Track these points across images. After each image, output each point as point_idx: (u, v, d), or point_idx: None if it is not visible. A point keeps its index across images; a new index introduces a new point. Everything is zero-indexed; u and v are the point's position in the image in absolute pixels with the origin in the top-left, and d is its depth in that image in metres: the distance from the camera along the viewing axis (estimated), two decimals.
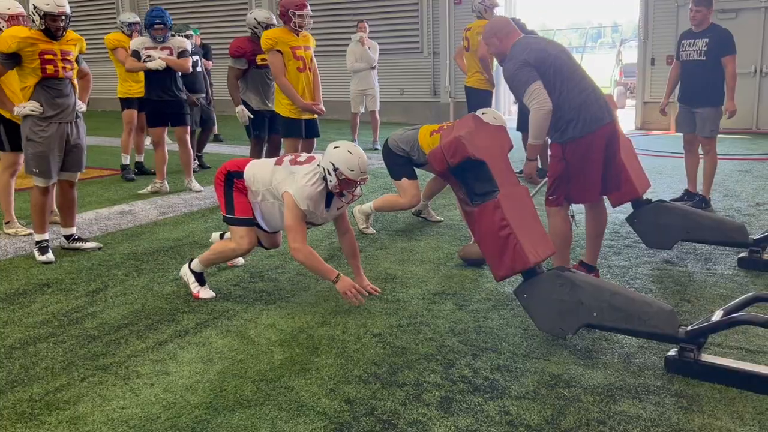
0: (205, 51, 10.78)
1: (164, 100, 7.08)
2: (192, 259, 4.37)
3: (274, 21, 6.59)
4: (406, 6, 13.67)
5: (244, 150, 10.27)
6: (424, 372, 3.26)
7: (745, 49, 10.82)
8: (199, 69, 8.58)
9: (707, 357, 3.19)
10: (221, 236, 4.80)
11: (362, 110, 10.36)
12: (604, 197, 4.25)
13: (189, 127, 7.38)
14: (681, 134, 6.38)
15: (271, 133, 6.82)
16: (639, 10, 11.83)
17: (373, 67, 10.20)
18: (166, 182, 7.45)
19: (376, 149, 10.27)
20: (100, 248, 5.38)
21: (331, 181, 3.88)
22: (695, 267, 4.63)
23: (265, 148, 6.90)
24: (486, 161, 3.49)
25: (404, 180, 5.38)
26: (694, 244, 5.07)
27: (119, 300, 4.29)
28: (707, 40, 5.99)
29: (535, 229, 3.57)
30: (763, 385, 2.99)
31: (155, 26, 6.90)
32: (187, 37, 8.50)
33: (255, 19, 6.55)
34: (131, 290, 4.46)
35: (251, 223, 4.14)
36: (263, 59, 6.44)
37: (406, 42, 13.79)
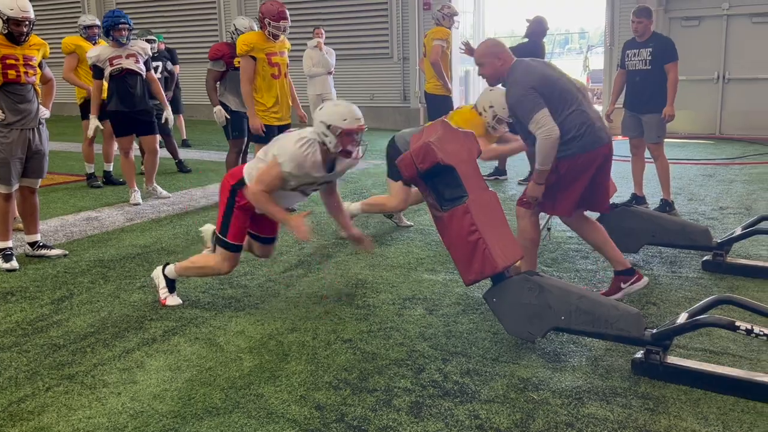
0: (171, 56, 10.71)
1: (126, 110, 6.88)
2: (167, 264, 4.27)
3: (255, 29, 6.63)
4: (376, 11, 13.70)
5: (213, 155, 10.21)
6: (395, 377, 3.27)
7: (707, 55, 11.07)
8: (159, 75, 8.51)
9: (673, 359, 3.24)
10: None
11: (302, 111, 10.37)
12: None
13: (158, 135, 7.27)
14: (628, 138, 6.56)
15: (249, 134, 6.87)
16: (605, 17, 12.01)
17: (330, 73, 10.24)
18: (152, 189, 7.35)
19: None
20: (65, 255, 5.30)
21: (330, 141, 3.72)
22: (660, 270, 4.71)
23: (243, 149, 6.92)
24: (455, 167, 3.49)
25: (400, 183, 5.24)
26: (659, 247, 5.16)
27: (85, 308, 4.22)
28: (651, 49, 6.17)
29: (504, 234, 3.59)
30: (727, 386, 3.05)
31: (120, 26, 6.71)
32: (148, 42, 8.43)
33: (234, 25, 6.80)
34: (97, 298, 4.40)
35: (239, 250, 4.04)
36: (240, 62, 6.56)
37: (375, 47, 13.82)
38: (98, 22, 7.85)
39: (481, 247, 3.42)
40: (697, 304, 3.33)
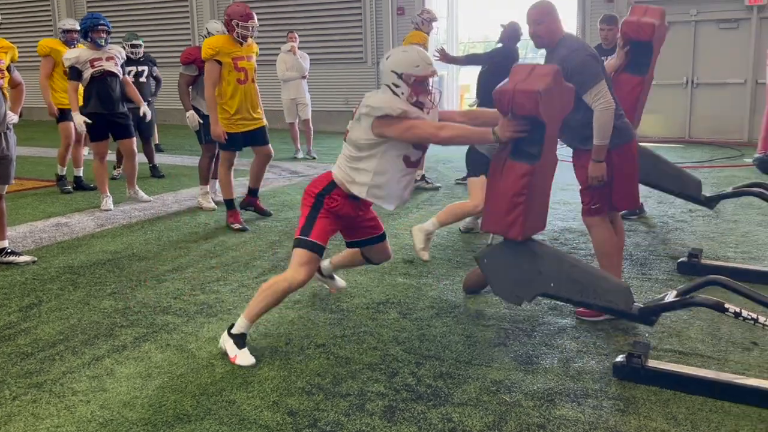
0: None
1: (107, 114, 6.84)
2: (231, 326, 3.60)
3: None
4: (350, 16, 13.71)
5: (186, 160, 10.14)
6: (368, 381, 3.26)
7: (676, 61, 11.22)
8: (143, 79, 8.42)
9: (654, 363, 3.26)
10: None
11: (297, 120, 10.37)
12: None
13: (134, 138, 7.21)
14: None
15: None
16: (576, 24, 12.14)
17: (304, 77, 10.23)
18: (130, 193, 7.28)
19: (313, 158, 10.28)
20: (34, 262, 5.22)
21: (402, 93, 3.38)
22: (631, 272, 4.76)
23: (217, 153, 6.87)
24: (547, 126, 3.27)
25: (482, 177, 4.85)
26: (631, 250, 5.21)
27: (54, 315, 4.16)
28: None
29: (542, 204, 3.49)
30: (708, 389, 3.08)
31: (98, 28, 6.66)
32: (134, 46, 8.34)
33: (206, 28, 6.75)
34: (67, 305, 4.33)
35: (321, 251, 3.54)
36: None
37: (349, 52, 13.83)
38: (78, 27, 7.72)
39: (519, 212, 3.31)
40: (686, 285, 3.35)
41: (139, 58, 8.44)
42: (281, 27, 12.90)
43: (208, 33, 6.62)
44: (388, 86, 3.41)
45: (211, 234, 6.01)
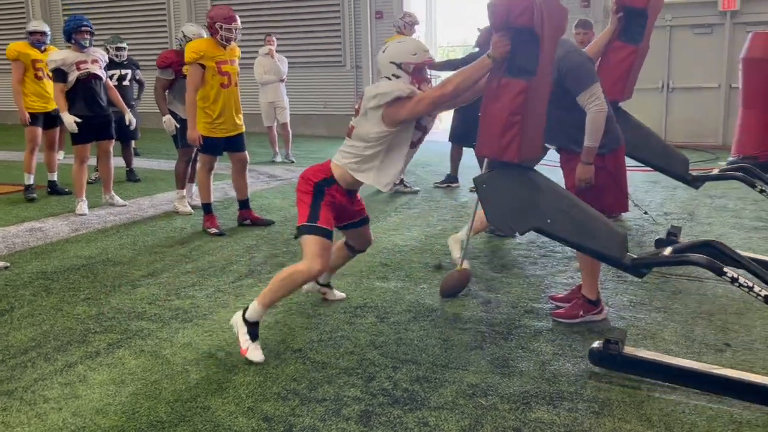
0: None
1: (91, 115, 6.78)
2: (246, 307, 3.62)
3: (204, 36, 6.57)
4: (328, 19, 13.70)
5: (163, 164, 10.06)
6: (344, 386, 3.25)
7: (652, 65, 11.30)
8: (126, 83, 8.33)
9: (631, 350, 3.27)
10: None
11: (275, 123, 10.34)
12: None
13: (113, 140, 7.15)
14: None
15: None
16: None
17: (282, 80, 10.21)
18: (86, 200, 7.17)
19: (292, 161, 10.26)
20: (6, 267, 5.13)
21: (404, 81, 3.46)
22: (607, 274, 4.78)
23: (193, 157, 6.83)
24: (543, 41, 3.19)
25: None
26: None
27: (26, 321, 4.10)
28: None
29: (538, 129, 3.44)
30: (683, 377, 3.12)
31: (81, 29, 6.60)
32: (118, 49, 8.26)
33: (182, 32, 6.69)
34: (39, 311, 4.27)
35: (331, 237, 3.57)
36: None
37: (328, 55, 13.82)
38: (43, 29, 7.60)
39: (515, 133, 3.23)
40: (684, 243, 3.33)
41: (123, 61, 8.36)
42: (259, 30, 12.84)
43: (185, 36, 6.57)
44: (388, 78, 3.46)
45: (187, 238, 5.96)
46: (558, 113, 3.79)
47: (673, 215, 6.52)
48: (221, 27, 5.78)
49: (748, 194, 7.28)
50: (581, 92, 3.70)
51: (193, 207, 6.99)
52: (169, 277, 4.89)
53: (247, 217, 6.40)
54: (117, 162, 7.61)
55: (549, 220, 3.28)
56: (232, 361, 3.51)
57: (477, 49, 7.62)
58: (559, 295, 4.31)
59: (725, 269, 2.97)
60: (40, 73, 7.39)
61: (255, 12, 14.04)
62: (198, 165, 6.21)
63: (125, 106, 7.28)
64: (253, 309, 3.56)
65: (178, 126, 6.59)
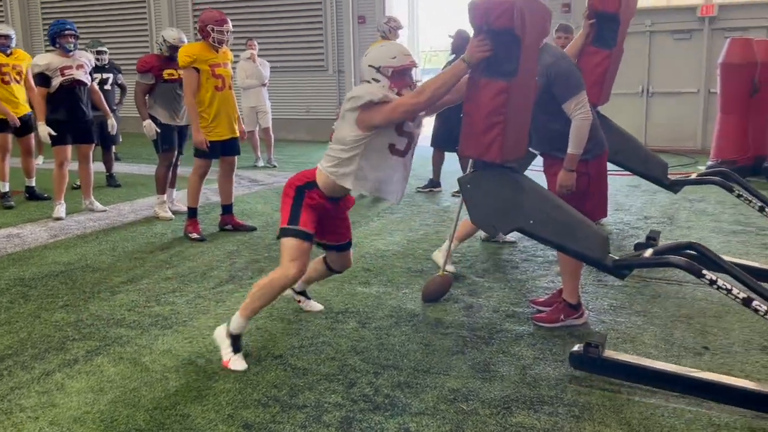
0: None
1: (72, 119, 6.73)
2: (230, 321, 3.61)
3: (185, 41, 6.55)
4: (310, 24, 13.69)
5: (144, 169, 9.98)
6: (325, 392, 3.24)
7: (632, 70, 11.43)
8: (108, 87, 8.26)
9: (611, 353, 3.29)
10: None
11: (257, 128, 10.31)
12: None
13: (93, 145, 7.08)
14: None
15: (179, 147, 6.81)
16: None
17: (264, 84, 10.19)
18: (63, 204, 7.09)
19: (274, 166, 10.23)
20: None
21: (384, 86, 3.39)
22: (587, 278, 4.81)
23: (174, 162, 6.81)
24: (522, 41, 3.18)
25: None
26: None
27: (3, 329, 4.04)
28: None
29: (522, 130, 3.45)
30: (662, 380, 3.15)
31: (65, 32, 6.55)
32: (99, 53, 8.19)
33: (162, 36, 6.62)
34: (16, 318, 4.22)
35: (310, 240, 3.54)
36: (170, 74, 6.52)
37: (310, 60, 13.80)
38: (7, 32, 7.36)
39: (498, 133, 3.24)
40: (665, 244, 3.35)
41: (104, 65, 8.29)
42: (241, 35, 12.78)
43: (164, 41, 6.53)
44: (368, 82, 3.43)
45: (167, 244, 5.92)
46: (544, 119, 3.82)
47: (653, 219, 6.57)
48: (213, 29, 5.77)
49: (727, 198, 7.36)
50: (568, 99, 3.71)
51: (174, 212, 6.95)
52: (148, 284, 4.85)
53: (229, 222, 6.37)
54: (97, 167, 7.55)
55: (532, 221, 3.29)
56: (212, 368, 3.49)
57: (453, 56, 7.66)
58: (540, 299, 4.32)
59: (704, 271, 2.99)
60: (7, 78, 7.26)
61: (237, 16, 13.98)
62: (192, 169, 6.11)
63: (109, 111, 7.24)
64: (236, 322, 3.55)
65: (158, 130, 6.54)
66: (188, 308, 4.36)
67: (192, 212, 6.14)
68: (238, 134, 6.11)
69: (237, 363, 3.50)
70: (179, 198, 7.44)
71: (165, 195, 6.91)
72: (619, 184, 8.23)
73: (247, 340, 3.83)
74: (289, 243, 3.50)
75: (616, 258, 3.26)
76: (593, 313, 4.20)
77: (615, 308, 4.27)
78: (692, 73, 11.27)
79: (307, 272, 4.06)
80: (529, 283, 4.79)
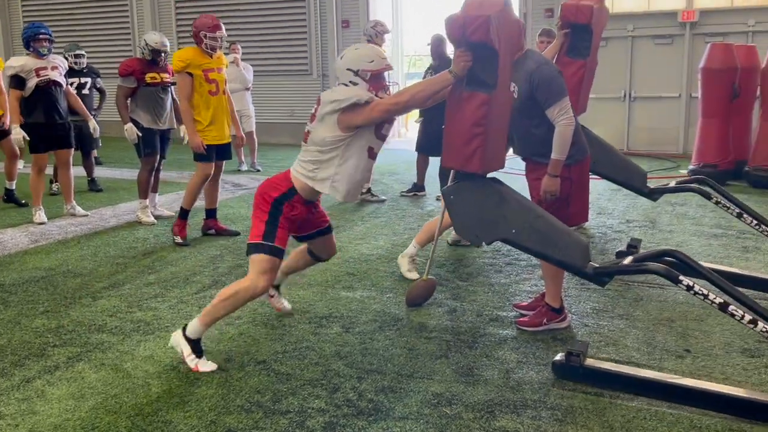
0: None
1: (50, 124, 6.68)
2: (185, 326, 3.58)
3: (167, 45, 6.51)
4: (294, 28, 13.68)
5: (126, 173, 9.92)
6: (309, 398, 3.22)
7: (614, 75, 11.53)
8: (86, 91, 8.19)
9: (592, 362, 3.32)
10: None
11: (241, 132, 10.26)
12: None
13: (72, 149, 7.03)
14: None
15: (162, 151, 6.77)
16: None
17: (248, 89, 10.15)
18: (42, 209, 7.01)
19: (258, 170, 10.20)
20: None
21: (363, 89, 3.41)
22: (570, 282, 4.83)
23: (156, 167, 6.76)
24: (499, 54, 3.24)
25: None
26: None
27: None
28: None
29: (500, 141, 3.49)
30: (644, 388, 3.17)
31: (39, 36, 6.52)
32: (77, 56, 8.13)
33: (145, 40, 6.57)
34: None
35: (282, 255, 3.53)
36: (153, 78, 6.49)
37: (295, 64, 13.79)
38: None
39: (478, 144, 3.29)
40: (642, 252, 3.38)
41: (83, 69, 8.23)
42: (235, 38, 12.76)
43: (147, 45, 6.49)
44: (345, 85, 3.43)
45: (150, 249, 5.88)
46: (527, 124, 3.85)
47: (635, 223, 6.62)
48: (205, 36, 5.75)
49: (708, 202, 7.40)
50: (551, 105, 3.72)
51: (157, 217, 6.91)
52: (131, 289, 4.82)
53: (213, 226, 6.33)
54: (77, 171, 7.49)
55: (514, 231, 3.34)
56: (194, 374, 3.46)
57: (436, 62, 7.69)
58: (523, 303, 4.34)
59: (681, 278, 3.01)
60: None
61: (221, 20, 13.95)
62: (195, 173, 6.05)
63: (88, 114, 7.18)
64: (194, 327, 3.52)
65: (140, 134, 6.50)
66: (171, 314, 4.33)
67: (184, 213, 6.07)
68: (230, 139, 6.09)
69: (205, 365, 3.51)
70: (162, 203, 7.41)
71: (147, 200, 6.86)
72: (602, 188, 8.28)
73: (230, 346, 3.82)
74: (262, 258, 3.45)
75: (597, 265, 3.30)
76: (576, 316, 4.22)
77: (598, 312, 4.29)
78: (674, 78, 11.38)
79: (287, 262, 4.07)
80: (512, 287, 4.81)
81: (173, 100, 6.76)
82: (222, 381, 3.39)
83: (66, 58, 7.64)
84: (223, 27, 5.85)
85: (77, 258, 5.62)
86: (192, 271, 5.20)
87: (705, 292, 2.98)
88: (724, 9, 10.99)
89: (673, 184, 4.93)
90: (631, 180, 4.83)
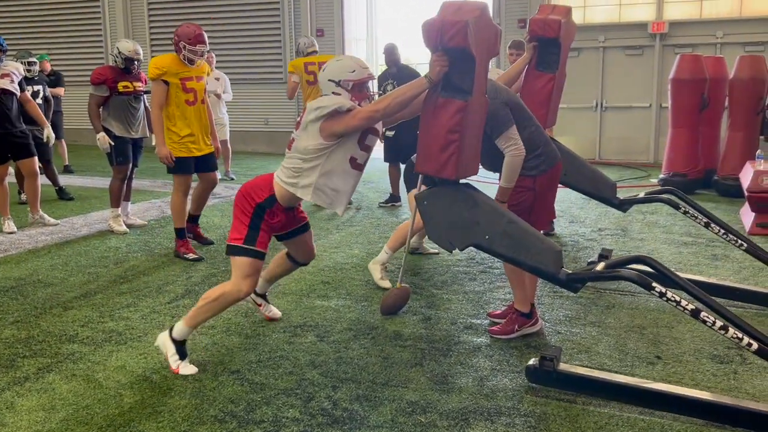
0: (56, 78, 10.25)
1: (7, 134, 6.58)
2: (172, 327, 3.64)
3: (140, 53, 6.45)
4: (269, 36, 13.66)
5: (98, 181, 9.82)
6: (283, 407, 3.21)
7: (586, 85, 11.68)
8: (39, 100, 8.07)
9: (565, 366, 3.34)
10: None
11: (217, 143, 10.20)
12: None
13: (36, 158, 6.93)
14: None
15: (134, 160, 6.68)
16: None
17: (218, 96, 10.09)
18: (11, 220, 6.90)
19: (231, 179, 10.15)
20: None
21: (344, 98, 3.47)
22: (543, 290, 4.87)
23: (129, 175, 6.70)
24: (477, 60, 3.24)
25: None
26: None
27: None
28: None
29: (475, 148, 3.50)
30: (615, 392, 3.20)
31: None
32: (30, 63, 8.03)
33: (117, 48, 6.49)
34: None
35: (263, 258, 3.58)
36: (125, 86, 6.42)
37: (269, 72, 13.76)
38: None
39: (453, 151, 3.29)
40: (614, 259, 3.41)
41: (34, 77, 8.12)
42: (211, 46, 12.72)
43: (119, 53, 6.42)
44: (327, 96, 3.47)
45: (122, 258, 5.82)
46: (490, 143, 3.89)
47: (607, 231, 6.70)
48: (184, 47, 5.49)
49: (677, 211, 7.54)
50: (498, 137, 3.76)
51: (129, 226, 6.84)
52: (102, 298, 4.76)
53: (192, 231, 6.20)
54: (45, 180, 7.39)
55: (487, 237, 3.36)
56: (167, 384, 3.43)
57: (394, 69, 7.77)
58: (497, 312, 4.37)
59: (653, 284, 3.06)
60: None
61: None
62: (173, 188, 5.88)
63: (44, 119, 7.08)
64: (179, 329, 3.59)
65: (112, 143, 6.43)
66: (143, 323, 4.29)
67: (180, 233, 5.86)
68: (213, 149, 5.90)
69: (186, 368, 3.56)
70: (134, 211, 7.34)
71: (119, 208, 6.79)
72: (574, 197, 8.37)
73: (204, 355, 3.79)
74: (244, 261, 3.52)
75: (569, 272, 3.32)
76: (549, 323, 4.25)
77: (570, 319, 4.33)
78: (644, 88, 11.55)
79: (268, 269, 4.15)
80: (486, 294, 4.84)
81: (146, 108, 6.71)
82: (195, 391, 3.37)
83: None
84: (206, 39, 5.60)
85: (48, 267, 5.55)
86: (165, 281, 5.16)
87: (677, 298, 3.02)
88: (693, 21, 11.20)
89: (642, 195, 5.00)
90: (601, 191, 4.90)
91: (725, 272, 5.27)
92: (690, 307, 2.99)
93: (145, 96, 6.66)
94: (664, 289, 3.04)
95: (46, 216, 7.08)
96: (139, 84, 6.54)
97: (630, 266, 3.50)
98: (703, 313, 2.97)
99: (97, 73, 6.44)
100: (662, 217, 7.25)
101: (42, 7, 15.21)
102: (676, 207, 4.77)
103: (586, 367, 3.59)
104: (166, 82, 5.53)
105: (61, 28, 15.19)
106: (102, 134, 6.39)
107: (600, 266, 3.31)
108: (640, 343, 3.93)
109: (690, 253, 5.86)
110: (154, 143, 6.27)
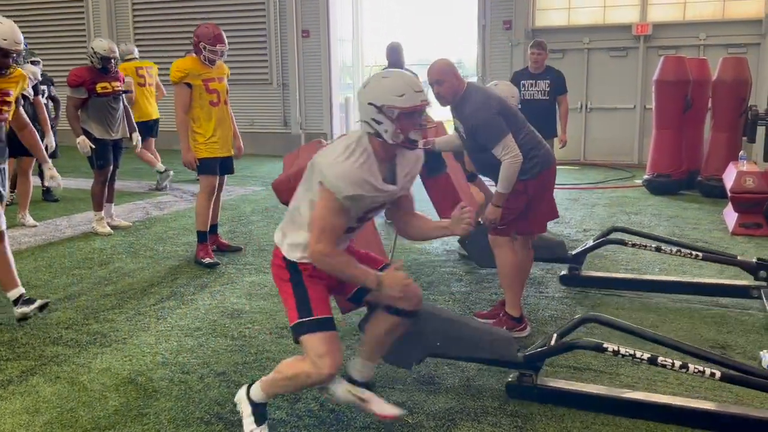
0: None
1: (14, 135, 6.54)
2: (251, 383, 2.99)
3: (116, 51, 6.40)
4: (254, 37, 13.62)
5: (82, 183, 9.74)
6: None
7: (571, 86, 11.59)
8: (44, 99, 7.99)
9: (545, 380, 3.36)
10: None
11: (240, 143, 10.15)
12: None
13: (33, 157, 6.87)
14: None
15: (115, 161, 6.62)
16: (476, 50, 12.52)
17: None
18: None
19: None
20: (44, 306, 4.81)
21: (386, 130, 2.64)
22: (529, 291, 4.89)
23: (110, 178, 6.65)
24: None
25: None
26: None
27: None
28: (549, 81, 6.90)
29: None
30: (594, 403, 3.21)
31: None
32: (34, 63, 7.95)
33: (92, 48, 6.40)
34: None
35: (332, 325, 2.77)
36: (104, 87, 6.34)
37: (255, 73, 13.72)
38: None
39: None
40: (566, 325, 3.45)
41: (38, 78, 8.04)
42: (182, 47, 12.66)
43: (95, 53, 6.34)
44: (368, 123, 2.67)
45: (106, 260, 5.78)
46: (481, 156, 3.97)
47: (592, 232, 6.73)
48: (204, 48, 5.43)
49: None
50: (494, 147, 3.79)
51: (114, 227, 6.80)
52: (87, 300, 4.73)
53: (215, 243, 5.96)
54: (34, 181, 7.34)
55: (439, 343, 3.31)
56: (152, 386, 3.41)
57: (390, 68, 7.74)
58: (484, 312, 4.38)
59: (605, 345, 3.12)
60: None
61: (179, 28, 13.83)
62: (199, 189, 5.76)
63: (49, 128, 7.03)
64: (257, 391, 2.93)
65: (93, 146, 6.34)
66: (128, 325, 4.26)
67: (202, 236, 5.70)
68: (232, 153, 5.85)
69: None
70: (118, 213, 7.29)
71: (102, 211, 6.72)
72: (560, 197, 8.41)
73: (190, 357, 3.77)
74: (312, 339, 2.73)
75: (526, 353, 3.31)
76: (535, 324, 4.27)
77: (556, 319, 4.35)
78: (628, 90, 11.62)
79: (366, 343, 3.19)
80: (472, 295, 4.85)
81: (125, 108, 6.66)
82: (181, 393, 3.35)
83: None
84: (226, 39, 5.52)
85: (31, 269, 5.50)
86: (150, 283, 5.13)
87: (632, 351, 3.08)
88: (677, 23, 11.29)
89: (591, 243, 5.10)
90: (554, 253, 5.07)
91: (710, 271, 5.32)
92: (646, 356, 3.06)
93: (123, 96, 6.61)
94: (616, 347, 3.11)
95: (28, 216, 7.03)
96: (118, 84, 6.47)
97: (582, 326, 3.59)
98: (660, 358, 3.04)
99: (75, 74, 6.31)
100: (646, 218, 7.30)
101: (24, 7, 15.09)
102: (624, 244, 4.98)
103: (572, 368, 3.62)
104: (189, 85, 5.44)
105: (44, 29, 15.07)
106: (82, 137, 6.29)
107: (553, 339, 3.30)
108: (625, 343, 3.95)
109: (673, 253, 5.88)
110: (134, 142, 6.22)
